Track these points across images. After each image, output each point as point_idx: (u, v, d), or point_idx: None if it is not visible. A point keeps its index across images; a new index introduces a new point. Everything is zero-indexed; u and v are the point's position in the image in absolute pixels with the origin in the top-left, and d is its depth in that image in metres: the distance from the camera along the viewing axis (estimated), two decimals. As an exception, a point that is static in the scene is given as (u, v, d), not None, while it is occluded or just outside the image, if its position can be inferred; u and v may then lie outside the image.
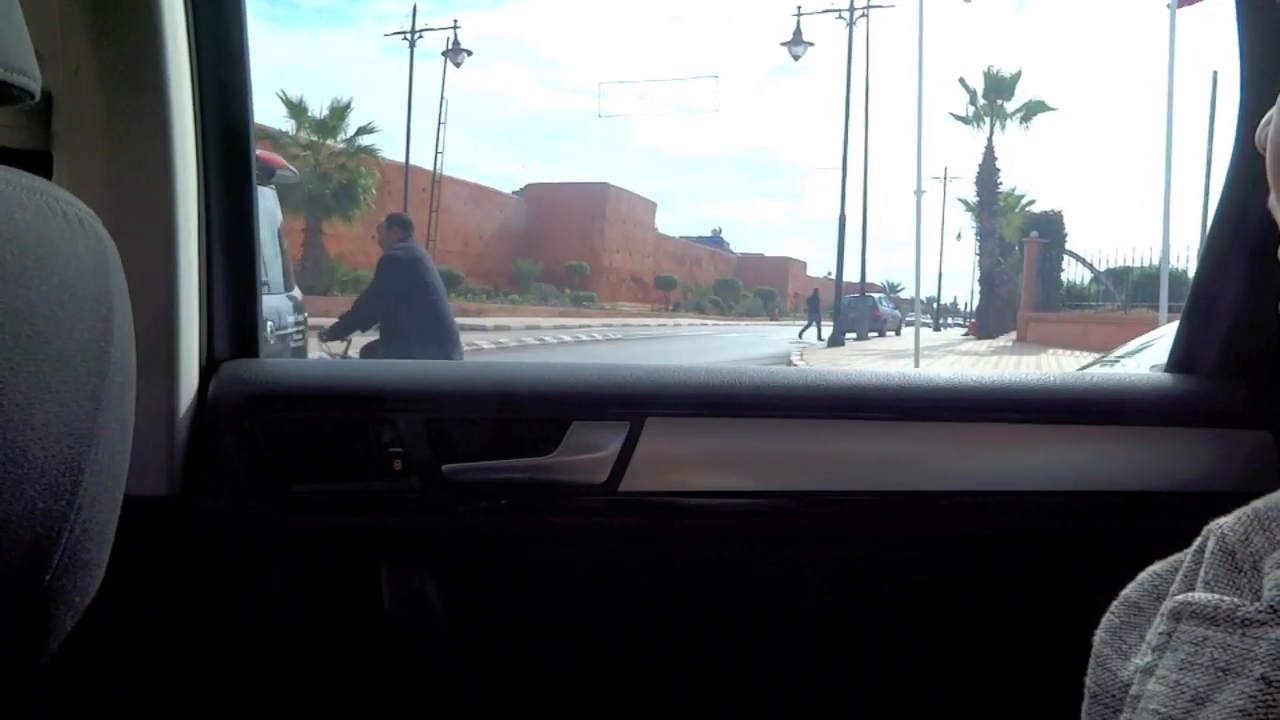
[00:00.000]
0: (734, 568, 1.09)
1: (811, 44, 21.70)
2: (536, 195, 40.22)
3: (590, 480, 1.02)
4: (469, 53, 25.46)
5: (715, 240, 55.42)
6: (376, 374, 1.12)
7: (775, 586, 1.10)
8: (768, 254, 57.70)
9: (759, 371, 1.10)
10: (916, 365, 13.07)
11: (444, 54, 24.96)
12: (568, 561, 1.08)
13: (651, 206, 45.71)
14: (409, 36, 24.42)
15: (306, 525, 1.03)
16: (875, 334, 25.15)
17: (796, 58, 21.49)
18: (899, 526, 1.09)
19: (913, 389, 1.10)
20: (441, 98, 26.88)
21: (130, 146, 0.94)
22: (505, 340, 17.94)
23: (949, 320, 37.54)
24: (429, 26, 28.32)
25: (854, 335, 21.72)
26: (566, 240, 38.01)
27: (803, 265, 57.68)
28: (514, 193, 40.67)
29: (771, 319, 43.07)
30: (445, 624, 1.04)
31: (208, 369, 1.04)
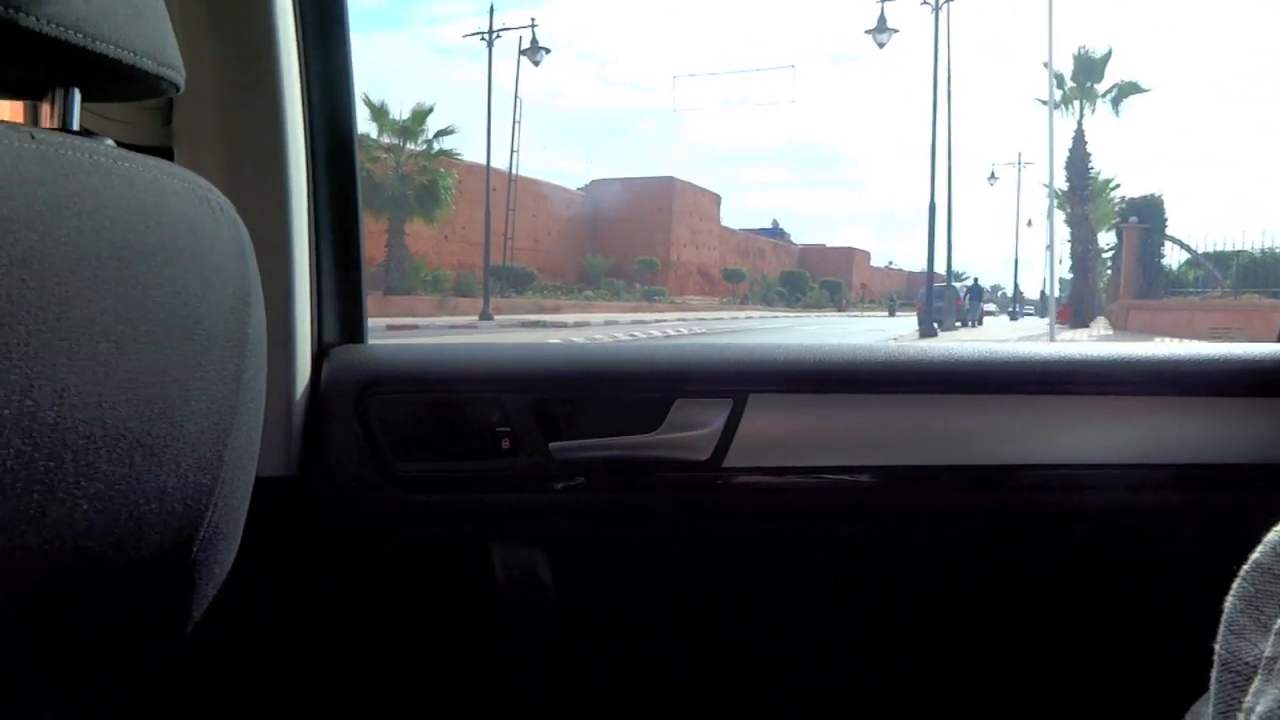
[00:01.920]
0: (838, 544, 1.09)
1: (896, 30, 21.36)
2: (602, 191, 40.26)
3: (694, 457, 1.04)
4: (547, 50, 25.56)
5: (776, 232, 54.99)
6: (483, 357, 1.15)
7: (879, 562, 1.10)
8: (828, 244, 57.14)
9: (861, 348, 1.10)
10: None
11: (522, 53, 25.05)
12: (673, 536, 1.09)
13: (716, 199, 45.52)
14: (486, 37, 24.53)
15: (418, 503, 1.06)
16: (959, 324, 24.74)
17: (881, 45, 21.15)
18: (1008, 501, 1.08)
19: (1019, 362, 1.10)
20: (516, 96, 27.02)
21: (246, 142, 0.99)
22: (590, 337, 17.91)
23: (1022, 309, 36.76)
24: (506, 26, 28.42)
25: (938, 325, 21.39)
26: (633, 235, 37.98)
27: (866, 255, 56.99)
28: (579, 189, 40.77)
29: (839, 310, 42.63)
30: (555, 597, 1.06)
31: (319, 354, 1.08)
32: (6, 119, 0.53)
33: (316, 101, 1.04)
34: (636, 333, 19.29)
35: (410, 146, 24.39)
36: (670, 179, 41.72)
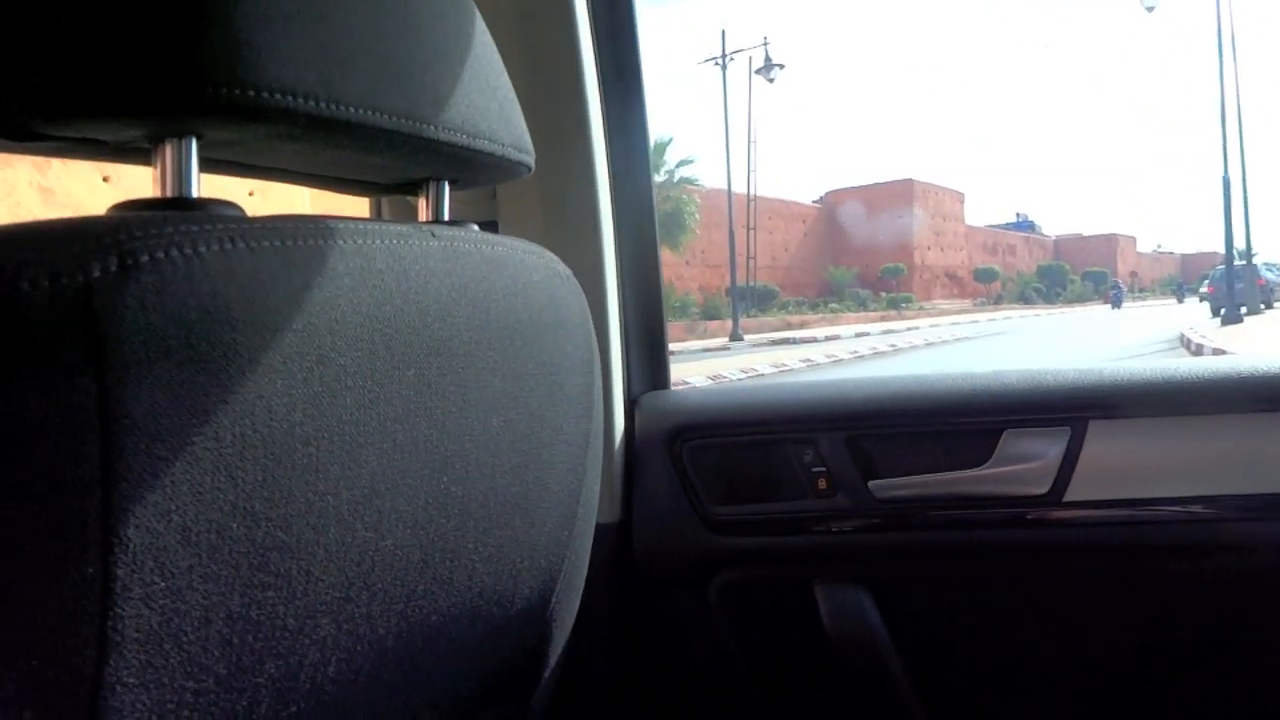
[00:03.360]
0: (1200, 580, 0.99)
1: (1163, -8, 19.52)
2: (839, 200, 39.54)
3: (1030, 491, 0.98)
4: (781, 66, 25.48)
5: (1025, 225, 51.83)
6: (790, 396, 1.14)
7: (1242, 602, 0.99)
8: (1087, 233, 53.06)
9: (1209, 364, 1.02)
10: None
11: (756, 72, 25.11)
12: (1013, 575, 1.03)
13: (959, 197, 43.50)
14: (719, 61, 24.79)
15: (736, 546, 1.05)
16: (1265, 306, 22.03)
17: (1150, 9, 19.42)
18: None
19: None
20: (749, 115, 27.09)
21: (561, 209, 1.04)
22: (843, 351, 17.38)
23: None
24: (740, 49, 28.71)
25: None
26: (874, 243, 37.00)
27: (1132, 241, 52.46)
28: (814, 201, 40.24)
29: (1105, 302, 39.42)
30: (887, 639, 1.02)
31: (630, 403, 1.10)
32: (350, 212, 0.59)
33: (618, 164, 1.09)
34: (897, 342, 18.62)
35: (654, 178, 25.01)
36: (909, 181, 40.34)
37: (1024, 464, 0.99)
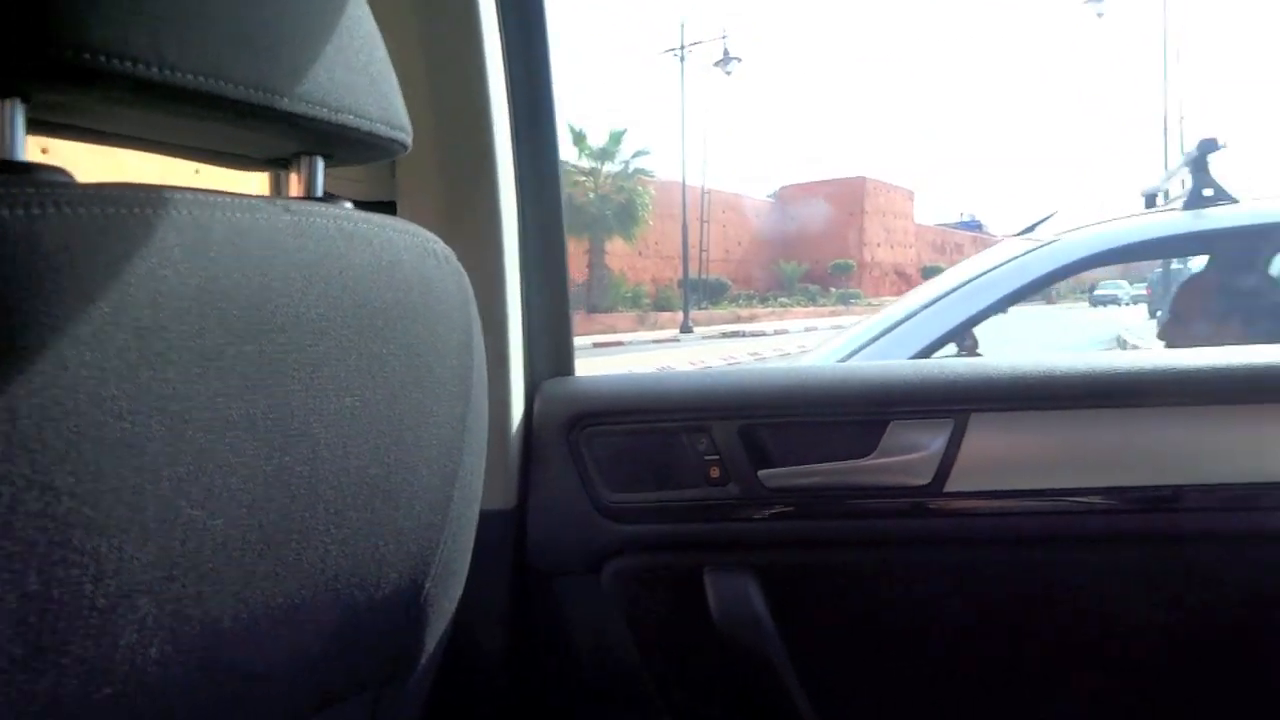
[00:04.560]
0: (1073, 570, 1.02)
1: (1113, -2, 19.88)
2: (791, 196, 39.81)
3: (913, 482, 1.00)
4: (738, 60, 25.48)
5: (973, 225, 52.72)
6: (689, 385, 1.13)
7: (1117, 591, 1.01)
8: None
9: (1090, 359, 1.03)
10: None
11: (715, 64, 25.04)
12: (894, 563, 1.04)
13: (909, 196, 44.08)
14: (678, 53, 24.70)
15: (631, 533, 1.05)
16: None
17: (1100, 15, 19.77)
18: (1266, 524, 0.98)
19: (1272, 369, 0.99)
20: (706, 109, 27.04)
21: (462, 191, 1.02)
22: (791, 345, 17.46)
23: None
24: (698, 40, 28.60)
25: None
26: (825, 238, 37.33)
27: (1074, 243, 53.59)
28: (768, 196, 40.47)
29: (1049, 302, 40.27)
30: (771, 625, 1.03)
31: (531, 388, 1.09)
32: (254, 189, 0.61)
33: (524, 144, 1.07)
34: (847, 338, 18.73)
35: (608, 167, 24.93)
36: (861, 179, 40.75)
37: (908, 455, 1.00)
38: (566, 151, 25.12)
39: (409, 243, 0.60)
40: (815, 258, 36.49)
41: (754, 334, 21.33)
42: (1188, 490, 0.98)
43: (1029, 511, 1.00)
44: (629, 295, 25.92)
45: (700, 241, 28.32)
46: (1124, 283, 27.67)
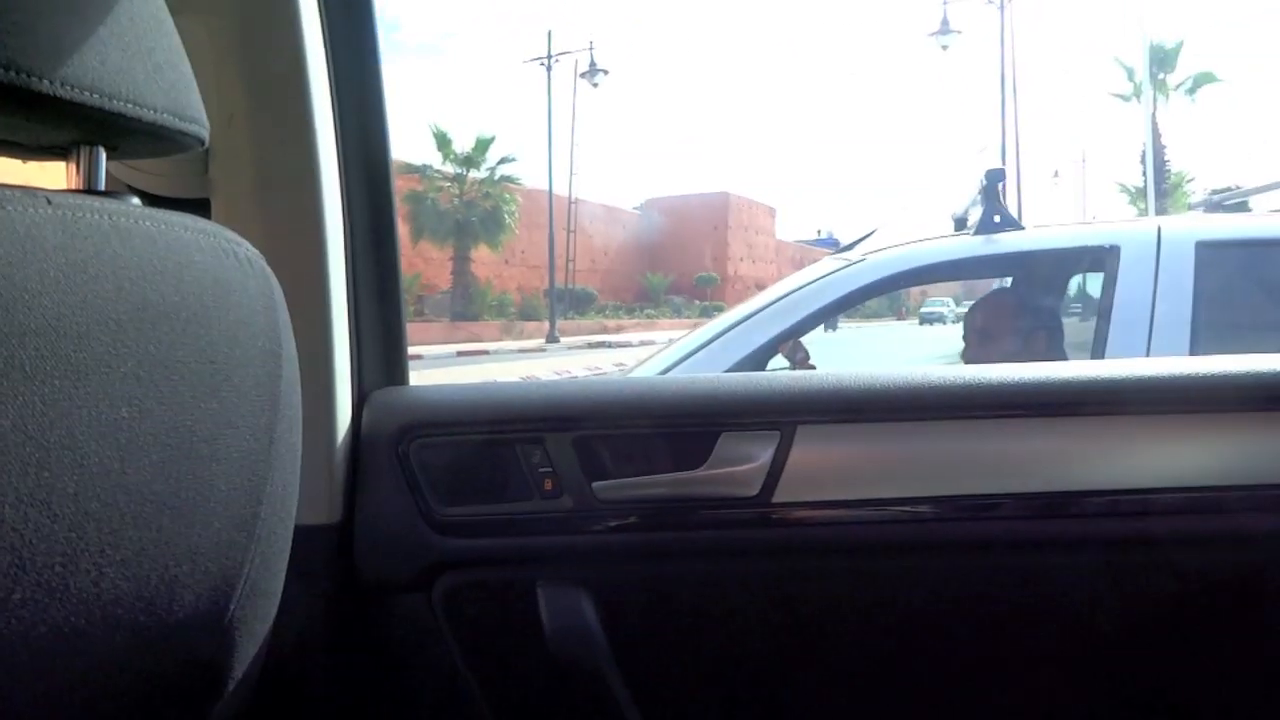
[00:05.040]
0: (896, 578, 1.04)
1: (959, 32, 21.06)
2: (658, 208, 40.28)
3: (742, 492, 1.01)
4: (605, 72, 25.65)
5: (829, 242, 54.53)
6: (522, 396, 1.12)
7: (940, 596, 1.04)
8: (886, 252, 56.32)
9: (912, 373, 1.06)
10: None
11: (582, 75, 25.18)
12: (723, 574, 1.04)
13: (770, 212, 45.26)
14: (545, 61, 24.70)
15: (462, 547, 1.03)
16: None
17: (945, 48, 20.86)
18: (1080, 531, 1.02)
19: (1082, 383, 1.04)
20: (573, 119, 27.16)
21: (281, 190, 0.97)
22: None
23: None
24: (565, 50, 28.58)
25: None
26: (691, 251, 37.90)
27: (924, 261, 56.17)
28: (635, 208, 40.84)
29: (899, 318, 42.09)
30: (604, 639, 1.02)
31: (359, 399, 1.06)
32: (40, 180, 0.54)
33: (351, 147, 1.03)
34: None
35: (473, 174, 24.65)
36: (725, 194, 41.60)
37: (737, 466, 1.01)
38: (430, 156, 24.75)
39: (204, 243, 0.56)
40: (681, 270, 37.00)
41: (620, 345, 21.44)
42: (1006, 499, 1.01)
43: (856, 520, 1.02)
44: (495, 304, 25.67)
45: (567, 251, 28.33)
46: (950, 300, 29.25)
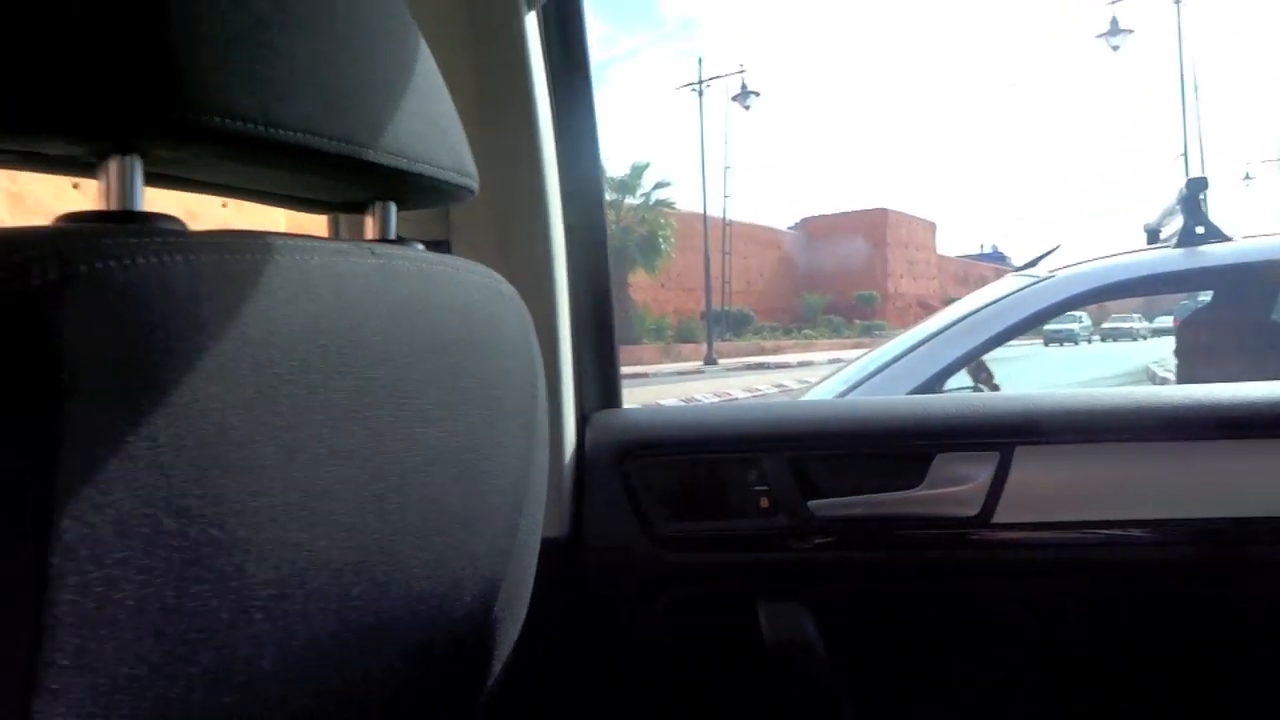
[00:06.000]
0: (1121, 603, 1.03)
1: (1131, 31, 19.93)
2: (814, 228, 39.87)
3: (960, 513, 1.01)
4: (756, 94, 25.68)
5: (995, 256, 52.43)
6: (738, 417, 1.17)
7: (1167, 621, 1.02)
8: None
9: (1138, 391, 1.05)
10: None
11: (733, 99, 25.28)
12: (944, 595, 1.05)
13: (931, 227, 44.03)
14: (697, 87, 24.97)
15: (682, 562, 1.07)
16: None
17: (1116, 49, 19.77)
18: None
19: None
20: (725, 142, 27.27)
21: (514, 227, 1.05)
22: (815, 377, 17.33)
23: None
24: (717, 75, 28.90)
25: None
26: (848, 270, 37.29)
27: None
28: (790, 228, 40.54)
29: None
30: (825, 654, 1.04)
31: (581, 420, 1.12)
32: (309, 230, 0.62)
33: (569, 184, 1.10)
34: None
35: (629, 200, 25.15)
36: (884, 210, 40.77)
37: (954, 486, 1.02)
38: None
39: (480, 283, 0.63)
40: (839, 289, 36.46)
41: (778, 366, 21.29)
42: (1231, 523, 0.99)
43: (1076, 543, 1.01)
44: (653, 327, 26.02)
45: (723, 273, 28.40)
46: (1136, 315, 27.43)
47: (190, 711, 0.43)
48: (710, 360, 22.47)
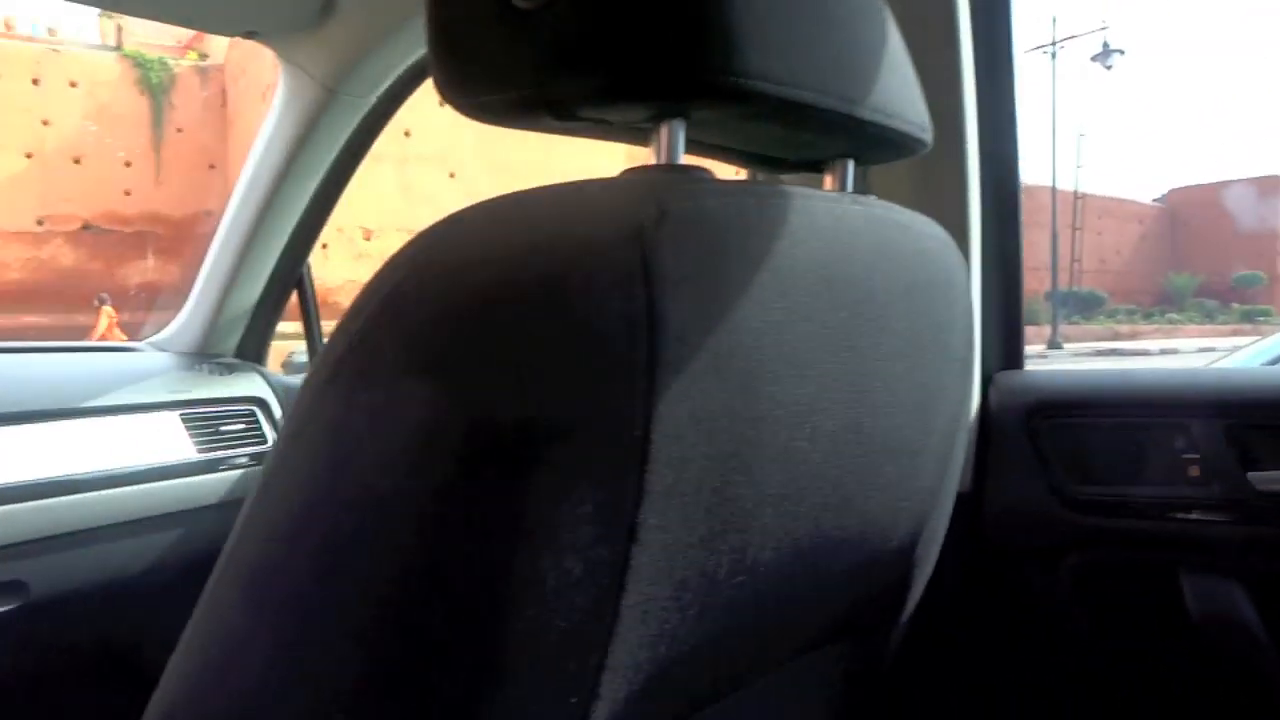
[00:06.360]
0: None
1: None
2: (1183, 200, 35.49)
3: None
4: (1120, 52, 23.27)
5: None
6: (1158, 381, 1.12)
7: None
8: None
9: None
10: None
11: (1093, 58, 23.08)
12: None
13: (1339, 196, 37.46)
14: (1049, 49, 23.07)
15: (1094, 526, 1.05)
16: None
17: None
18: None
19: None
20: (1079, 107, 24.98)
21: (928, 189, 1.07)
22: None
23: None
24: (1072, 35, 26.62)
25: None
26: (1226, 247, 32.81)
27: None
28: (1154, 200, 36.39)
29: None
30: (1264, 636, 0.98)
31: (985, 379, 1.13)
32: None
33: (986, 143, 1.10)
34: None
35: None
36: (1273, 178, 35.34)
37: None
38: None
39: (930, 232, 0.67)
40: (1213, 269, 32.21)
41: (1135, 353, 19.29)
42: None
43: None
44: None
45: (1072, 251, 26.17)
46: None
47: (716, 587, 0.50)
48: (1055, 344, 20.84)
